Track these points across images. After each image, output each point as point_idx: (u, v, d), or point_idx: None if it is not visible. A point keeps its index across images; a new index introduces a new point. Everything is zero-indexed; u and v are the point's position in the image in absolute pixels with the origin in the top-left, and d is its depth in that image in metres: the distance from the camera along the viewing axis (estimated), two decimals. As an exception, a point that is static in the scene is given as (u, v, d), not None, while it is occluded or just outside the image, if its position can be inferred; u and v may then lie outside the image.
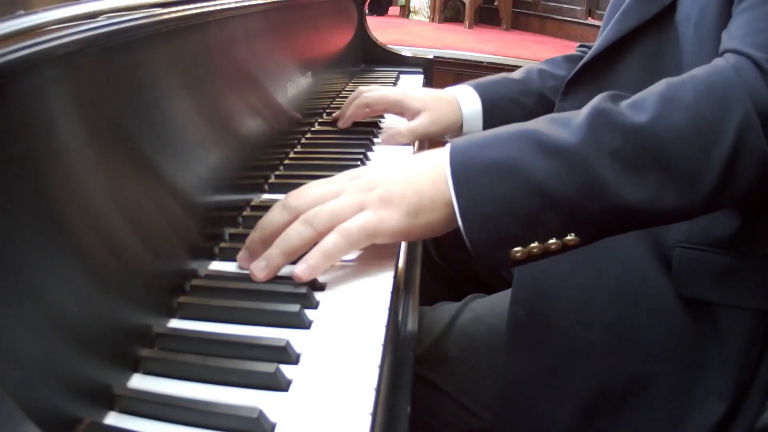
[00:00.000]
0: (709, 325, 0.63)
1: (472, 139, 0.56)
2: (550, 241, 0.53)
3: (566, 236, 0.53)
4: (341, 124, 1.00)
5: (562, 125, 0.54)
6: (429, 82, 1.48)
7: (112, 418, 0.41)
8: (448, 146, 0.55)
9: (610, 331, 0.65)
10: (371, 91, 0.98)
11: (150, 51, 0.52)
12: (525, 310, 0.67)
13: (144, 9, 0.52)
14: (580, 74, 0.79)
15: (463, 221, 0.53)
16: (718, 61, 0.56)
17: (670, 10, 0.71)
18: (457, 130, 0.97)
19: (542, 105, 0.98)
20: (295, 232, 0.54)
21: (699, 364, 0.63)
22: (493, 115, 0.96)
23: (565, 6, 3.54)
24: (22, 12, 0.40)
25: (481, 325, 0.72)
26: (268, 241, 0.56)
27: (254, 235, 0.57)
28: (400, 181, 0.55)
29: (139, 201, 0.49)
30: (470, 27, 3.69)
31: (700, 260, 0.64)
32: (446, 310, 0.76)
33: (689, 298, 0.64)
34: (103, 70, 0.46)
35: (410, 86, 1.02)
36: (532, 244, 0.52)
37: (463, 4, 3.81)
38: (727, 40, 0.59)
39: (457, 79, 2.71)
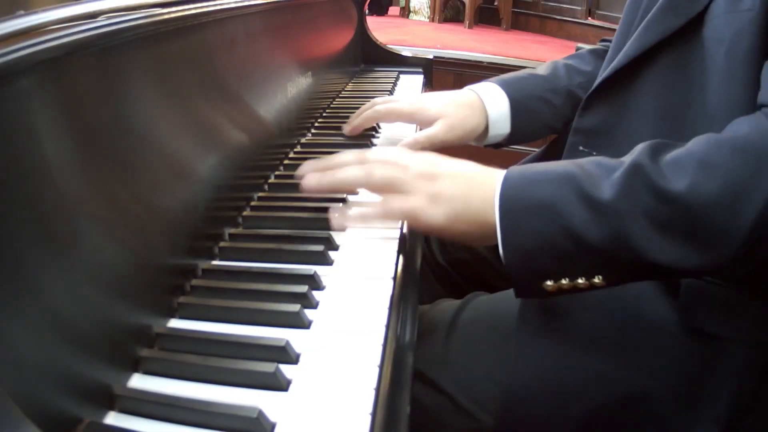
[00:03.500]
0: (711, 353, 0.63)
1: (525, 173, 0.59)
2: (579, 280, 0.57)
3: (594, 278, 0.57)
4: (346, 132, 0.96)
5: (604, 174, 0.56)
6: (429, 82, 1.48)
7: (112, 418, 0.41)
8: (505, 171, 0.60)
9: (615, 349, 0.64)
10: (383, 104, 0.93)
11: (150, 51, 0.52)
12: (532, 327, 0.67)
13: (144, 9, 0.52)
14: (600, 89, 0.76)
15: (503, 250, 0.57)
16: (760, 121, 0.55)
17: (696, 24, 0.68)
18: (482, 133, 0.91)
19: (571, 103, 0.93)
20: (351, 172, 0.63)
21: (697, 389, 0.63)
22: (522, 116, 0.91)
23: (565, 6, 3.53)
24: (22, 12, 0.40)
25: (482, 326, 0.72)
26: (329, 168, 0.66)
27: (328, 159, 0.67)
28: (457, 184, 0.60)
29: (139, 201, 0.49)
30: (470, 27, 3.69)
31: (708, 292, 0.63)
32: (447, 308, 0.76)
33: (694, 329, 0.63)
34: (102, 69, 0.46)
35: (416, 90, 0.93)
36: (563, 281, 0.57)
37: (463, 4, 3.81)
38: (767, 91, 0.58)
39: (457, 79, 2.71)
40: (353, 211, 0.64)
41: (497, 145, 0.96)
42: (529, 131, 0.94)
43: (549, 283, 0.57)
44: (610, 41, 1.01)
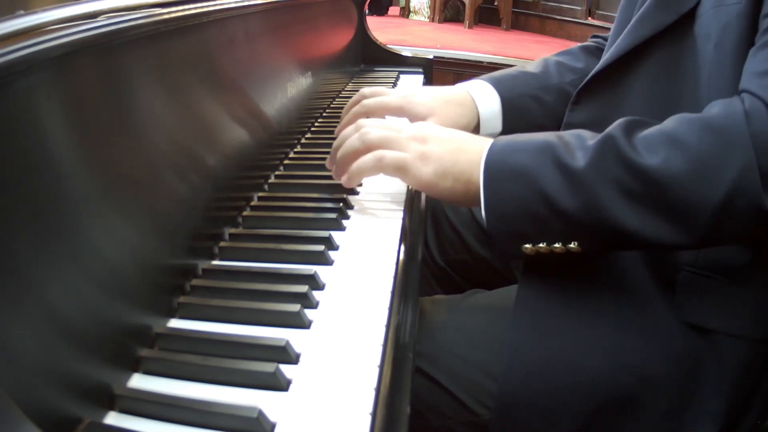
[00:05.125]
0: (708, 351, 0.63)
1: (510, 141, 0.63)
2: (556, 245, 0.60)
3: (569, 244, 0.60)
4: (338, 132, 0.92)
5: (579, 144, 0.59)
6: (429, 82, 1.48)
7: (112, 418, 0.41)
8: (491, 140, 0.64)
9: (611, 346, 0.64)
10: (371, 98, 0.89)
11: (149, 51, 0.52)
12: (528, 324, 0.67)
13: (144, 9, 0.52)
14: (591, 84, 0.76)
15: (485, 212, 0.61)
16: (734, 103, 0.56)
17: (688, 20, 0.68)
18: (473, 131, 0.88)
19: (563, 100, 0.90)
20: (349, 143, 0.70)
21: (694, 388, 0.63)
22: (513, 114, 0.90)
23: (565, 6, 3.54)
24: (22, 12, 0.40)
25: (479, 321, 0.72)
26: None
27: (334, 146, 0.74)
28: (446, 147, 0.65)
29: (139, 201, 0.49)
30: (470, 27, 3.69)
31: (706, 287, 0.63)
32: (445, 303, 0.76)
33: (691, 325, 0.64)
34: (102, 69, 0.46)
35: (415, 87, 0.91)
36: (540, 245, 0.60)
37: (463, 4, 3.81)
38: (747, 76, 0.59)
39: (457, 79, 2.70)
40: (353, 166, 0.68)
41: None
42: (520, 130, 0.89)
43: (527, 246, 0.61)
44: (601, 37, 1.01)
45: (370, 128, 0.69)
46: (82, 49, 0.42)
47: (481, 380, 0.67)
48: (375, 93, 0.91)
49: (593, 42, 1.00)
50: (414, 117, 0.87)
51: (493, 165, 0.61)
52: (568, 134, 0.61)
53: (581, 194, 0.57)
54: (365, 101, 0.89)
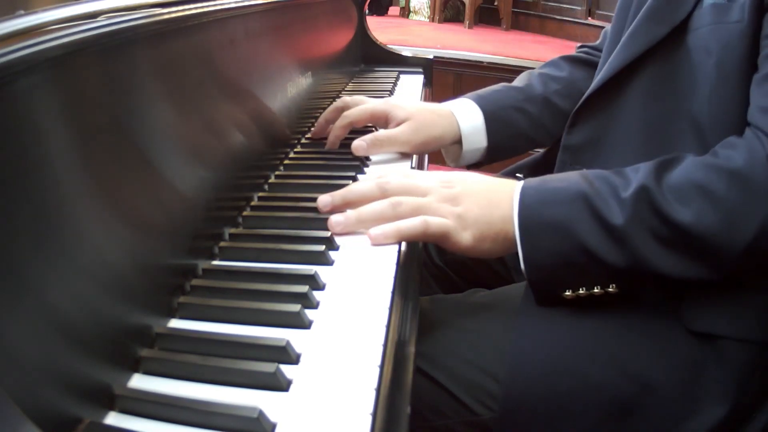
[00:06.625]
0: (712, 356, 0.63)
1: (540, 191, 0.64)
2: (595, 290, 0.63)
3: (608, 287, 0.63)
4: (329, 146, 0.92)
5: (613, 194, 0.62)
6: (429, 82, 1.48)
7: (112, 418, 0.41)
8: (520, 188, 0.64)
9: (613, 363, 0.64)
10: (353, 108, 0.90)
11: (150, 51, 0.52)
12: (530, 326, 0.67)
13: (144, 9, 0.52)
14: (586, 105, 0.76)
15: (525, 266, 0.63)
16: (755, 148, 0.59)
17: (681, 32, 0.68)
18: (450, 143, 0.91)
19: (548, 110, 0.93)
20: (380, 210, 0.65)
21: (697, 394, 0.63)
22: (497, 127, 0.91)
23: (565, 6, 3.54)
24: (22, 12, 0.40)
25: (480, 321, 0.72)
26: (351, 204, 0.67)
27: (343, 193, 0.68)
28: (479, 206, 0.65)
29: (139, 201, 0.49)
30: (470, 27, 3.69)
31: (711, 291, 0.64)
32: (446, 302, 0.76)
33: (697, 333, 0.64)
34: (102, 70, 0.46)
35: (401, 97, 0.93)
36: (580, 290, 0.64)
37: (463, 4, 3.81)
38: (757, 111, 0.61)
39: (457, 79, 2.71)
40: (390, 227, 0.63)
41: (479, 164, 0.95)
42: (507, 143, 0.93)
43: (568, 293, 0.63)
44: (588, 47, 1.02)
45: (401, 197, 0.65)
46: (82, 49, 0.42)
47: (481, 380, 0.67)
48: (356, 102, 0.92)
49: (581, 52, 1.01)
50: (395, 120, 0.88)
51: (528, 221, 0.63)
52: (596, 178, 0.63)
53: (623, 249, 0.60)
54: (347, 112, 0.90)
